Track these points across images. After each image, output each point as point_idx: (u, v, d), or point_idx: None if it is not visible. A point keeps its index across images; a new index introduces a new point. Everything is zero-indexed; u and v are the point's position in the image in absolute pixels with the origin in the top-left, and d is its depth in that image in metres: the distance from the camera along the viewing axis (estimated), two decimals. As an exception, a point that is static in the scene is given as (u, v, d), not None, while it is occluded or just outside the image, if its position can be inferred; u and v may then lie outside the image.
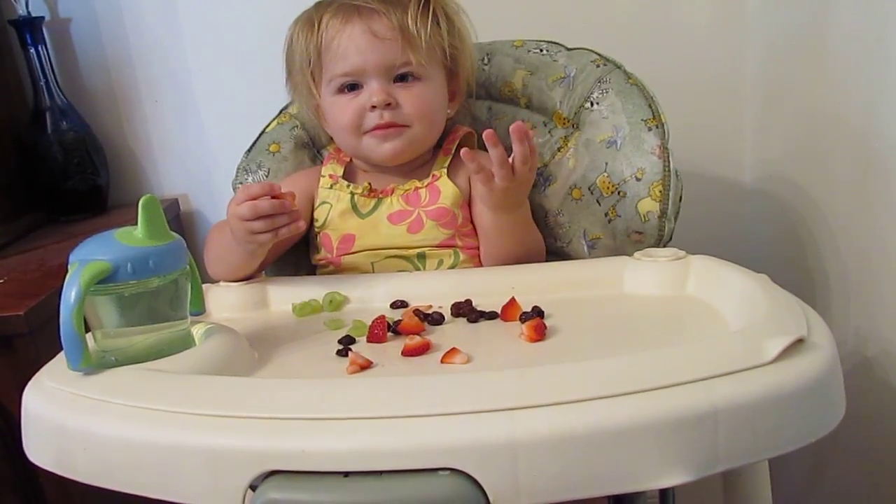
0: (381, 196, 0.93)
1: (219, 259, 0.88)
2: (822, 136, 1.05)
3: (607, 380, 0.51)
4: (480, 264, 0.92)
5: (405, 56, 0.87)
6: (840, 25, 0.98)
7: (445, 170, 0.94)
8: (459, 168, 0.94)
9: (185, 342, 0.67)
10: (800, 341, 0.55)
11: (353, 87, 0.89)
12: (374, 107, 0.88)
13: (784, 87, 1.18)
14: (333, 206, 0.93)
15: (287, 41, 0.94)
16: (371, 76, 0.88)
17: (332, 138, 1.01)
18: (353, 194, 0.93)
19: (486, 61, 1.03)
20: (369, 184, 0.93)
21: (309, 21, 0.90)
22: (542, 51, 1.01)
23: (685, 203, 0.91)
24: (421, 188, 0.93)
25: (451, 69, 0.93)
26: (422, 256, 0.90)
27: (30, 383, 0.63)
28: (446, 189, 0.92)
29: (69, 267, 0.61)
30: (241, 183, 1.01)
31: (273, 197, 0.78)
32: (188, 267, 0.66)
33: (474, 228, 0.93)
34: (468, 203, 0.93)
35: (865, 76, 0.92)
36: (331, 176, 0.95)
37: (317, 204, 0.95)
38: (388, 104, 0.88)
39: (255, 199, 0.77)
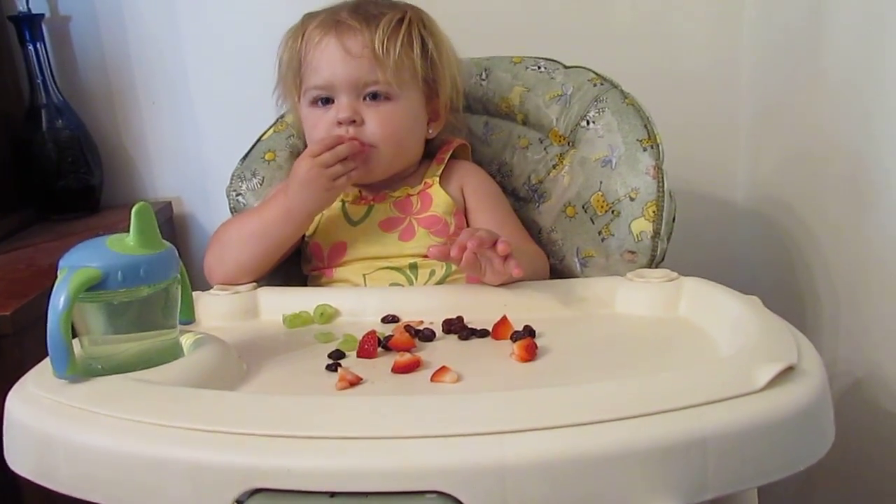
0: (372, 203, 0.93)
1: (243, 247, 0.89)
2: (815, 158, 1.06)
3: (597, 405, 0.51)
4: None
5: (373, 75, 0.87)
6: (834, 48, 0.99)
7: (437, 178, 0.94)
8: (452, 177, 0.95)
9: (173, 352, 0.66)
10: (790, 368, 0.55)
11: (326, 100, 0.90)
12: (340, 122, 0.88)
13: (778, 108, 1.19)
14: (324, 213, 0.93)
15: (279, 52, 0.95)
16: (341, 92, 0.88)
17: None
18: (343, 202, 0.93)
19: (483, 77, 1.03)
20: (360, 191, 0.94)
21: (296, 31, 0.92)
22: (539, 68, 1.01)
23: (677, 222, 0.92)
24: (413, 195, 0.93)
25: (429, 90, 0.93)
26: (414, 267, 0.90)
27: (13, 389, 0.63)
28: (438, 197, 0.92)
29: (59, 272, 0.61)
30: (234, 190, 1.01)
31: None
32: (179, 276, 0.66)
33: None
34: (462, 212, 0.94)
35: (860, 99, 0.93)
36: None
37: None
38: (353, 121, 0.88)
39: (330, 148, 0.84)
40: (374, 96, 0.89)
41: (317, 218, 0.93)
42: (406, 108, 0.91)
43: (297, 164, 0.88)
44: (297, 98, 0.94)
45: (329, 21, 0.89)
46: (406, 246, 0.90)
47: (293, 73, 0.92)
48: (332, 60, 0.88)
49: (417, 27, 0.90)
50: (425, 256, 0.90)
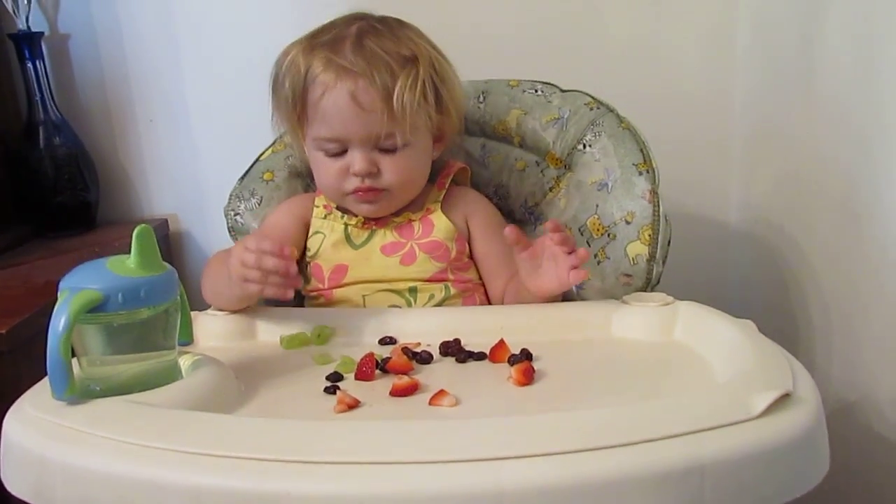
0: (374, 227, 0.93)
1: (214, 292, 0.86)
2: (808, 180, 1.07)
3: (596, 432, 0.51)
4: (471, 297, 0.93)
5: (389, 128, 0.85)
6: (827, 71, 1.00)
7: (439, 204, 0.95)
8: (455, 203, 0.95)
9: (172, 373, 0.66)
10: (786, 395, 0.55)
11: (336, 147, 0.88)
12: (355, 174, 0.88)
13: (771, 131, 1.20)
14: (327, 236, 0.93)
15: (273, 77, 0.92)
16: (354, 144, 0.87)
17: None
18: (346, 225, 0.94)
19: (481, 99, 1.04)
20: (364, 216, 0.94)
21: (295, 66, 0.88)
22: (536, 91, 1.02)
23: (671, 244, 0.92)
24: (414, 220, 0.93)
25: (439, 128, 0.92)
26: (413, 290, 0.91)
27: (11, 409, 0.62)
28: (440, 222, 0.93)
29: (59, 294, 0.61)
30: (233, 210, 1.01)
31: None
32: (179, 298, 0.66)
33: (467, 262, 0.94)
34: (464, 238, 0.94)
35: (852, 122, 0.94)
36: (325, 206, 0.96)
37: (310, 233, 0.95)
38: (370, 172, 0.88)
39: (264, 252, 0.75)
40: (387, 143, 0.87)
41: (319, 239, 0.94)
42: (419, 151, 0.90)
43: (237, 245, 0.80)
44: (299, 134, 0.92)
45: (335, 66, 0.85)
46: (407, 270, 0.91)
47: (295, 111, 0.89)
48: (344, 116, 0.85)
49: (430, 77, 0.88)
50: (426, 280, 0.91)
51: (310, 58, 0.87)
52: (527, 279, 0.82)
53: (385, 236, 0.93)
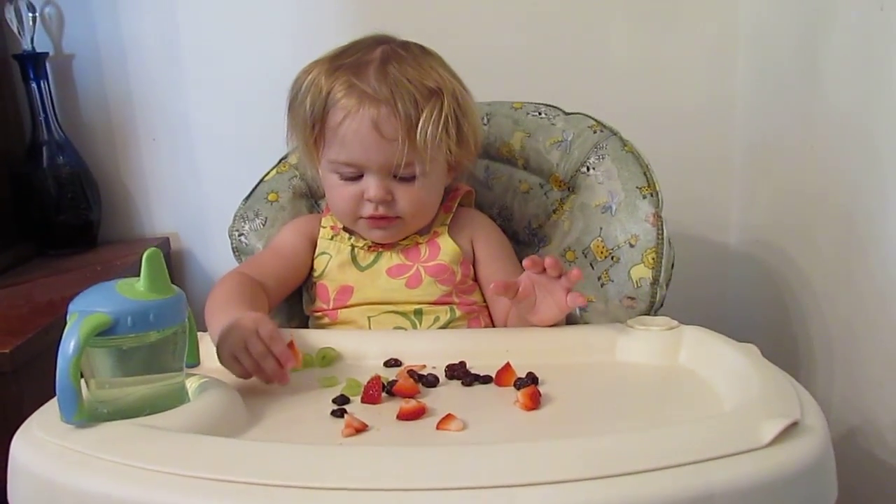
0: (380, 250, 0.93)
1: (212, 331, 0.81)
2: (809, 201, 1.07)
3: (606, 459, 0.51)
4: (476, 320, 0.93)
5: (409, 158, 0.85)
6: (828, 92, 1.01)
7: (447, 227, 0.95)
8: (461, 226, 0.95)
9: (179, 396, 0.66)
10: (794, 424, 0.56)
11: (351, 172, 0.88)
12: (370, 199, 0.88)
13: (771, 152, 1.21)
14: (333, 257, 0.93)
15: (292, 93, 0.91)
16: (371, 171, 0.87)
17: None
18: (353, 247, 0.94)
19: (485, 121, 1.05)
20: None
21: (317, 87, 0.87)
22: (540, 114, 1.03)
23: (674, 266, 0.93)
24: (421, 243, 0.94)
25: (456, 158, 0.91)
26: (419, 313, 0.91)
27: (19, 432, 0.62)
28: (446, 246, 0.93)
29: (69, 317, 0.61)
30: (237, 230, 1.01)
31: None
32: (187, 321, 0.66)
33: (472, 285, 0.94)
34: (469, 262, 0.94)
35: (853, 143, 0.95)
36: (332, 227, 0.96)
37: (316, 253, 0.95)
38: (385, 200, 0.88)
39: (269, 345, 0.71)
40: (406, 174, 0.87)
41: (325, 260, 0.94)
42: (434, 181, 0.90)
43: (244, 318, 0.74)
44: (314, 155, 0.91)
45: (358, 91, 0.85)
46: (412, 293, 0.91)
47: (313, 131, 0.89)
48: (364, 142, 0.85)
49: (453, 110, 0.87)
50: (431, 303, 0.91)
51: (332, 80, 0.87)
52: (529, 317, 0.82)
53: (391, 259, 0.93)
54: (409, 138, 0.84)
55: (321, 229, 0.96)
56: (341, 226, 0.95)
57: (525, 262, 0.79)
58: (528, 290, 0.80)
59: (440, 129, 0.85)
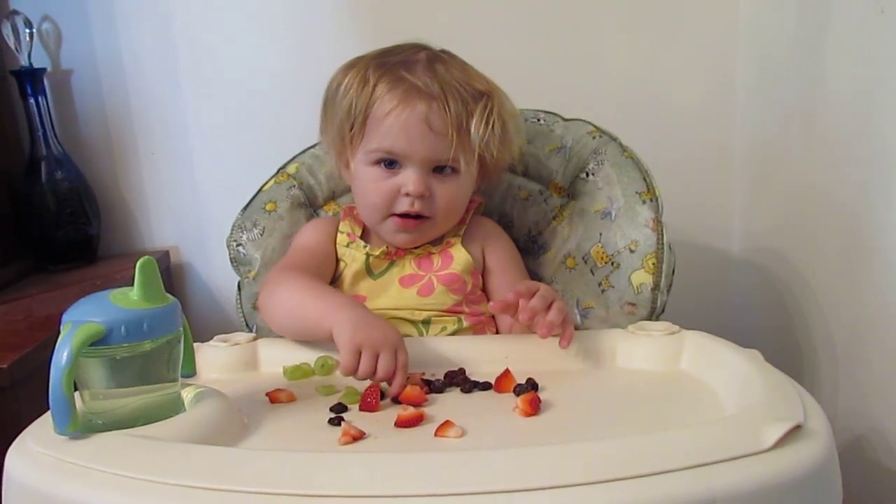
0: (394, 258, 0.93)
1: (283, 324, 0.84)
2: (811, 209, 1.07)
3: (606, 464, 0.50)
4: (482, 331, 0.92)
5: (452, 153, 0.85)
6: (830, 98, 1.01)
7: (460, 238, 0.94)
8: (473, 236, 0.95)
9: (175, 406, 0.65)
10: (797, 427, 0.55)
11: (390, 163, 0.87)
12: (407, 193, 0.87)
13: (774, 159, 1.21)
14: (348, 265, 0.93)
15: (333, 86, 0.90)
16: (413, 163, 0.86)
17: (330, 198, 1.03)
18: (368, 255, 0.93)
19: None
20: (387, 246, 0.93)
21: (363, 79, 0.87)
22: (539, 120, 1.03)
23: (675, 272, 0.92)
24: (434, 253, 0.93)
25: (490, 162, 0.91)
26: (427, 322, 0.90)
27: (13, 445, 0.62)
28: (459, 256, 0.92)
29: (62, 327, 0.60)
30: (235, 241, 1.01)
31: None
32: (182, 330, 0.65)
33: (481, 296, 0.93)
34: (480, 271, 0.94)
35: (856, 149, 0.94)
36: (348, 234, 0.95)
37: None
38: (423, 195, 0.87)
39: (396, 371, 0.72)
40: (443, 168, 0.87)
41: (340, 267, 0.93)
42: (468, 180, 0.90)
43: (393, 329, 0.76)
44: (350, 148, 0.90)
45: (407, 84, 0.85)
46: (423, 301, 0.90)
47: (351, 124, 0.88)
48: (413, 133, 0.85)
49: (500, 111, 0.88)
50: (441, 312, 0.90)
51: (380, 72, 0.87)
52: (531, 329, 0.80)
53: (404, 268, 0.92)
54: (458, 135, 0.84)
55: (339, 234, 0.96)
56: (357, 233, 0.95)
57: (491, 308, 0.81)
58: (527, 322, 0.78)
59: (489, 128, 0.86)
